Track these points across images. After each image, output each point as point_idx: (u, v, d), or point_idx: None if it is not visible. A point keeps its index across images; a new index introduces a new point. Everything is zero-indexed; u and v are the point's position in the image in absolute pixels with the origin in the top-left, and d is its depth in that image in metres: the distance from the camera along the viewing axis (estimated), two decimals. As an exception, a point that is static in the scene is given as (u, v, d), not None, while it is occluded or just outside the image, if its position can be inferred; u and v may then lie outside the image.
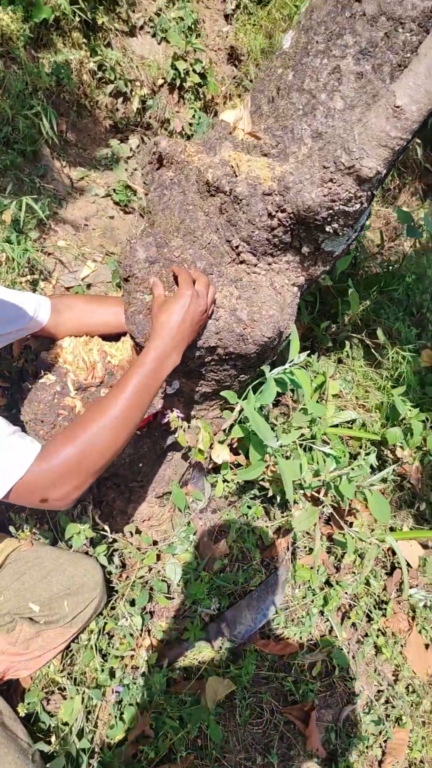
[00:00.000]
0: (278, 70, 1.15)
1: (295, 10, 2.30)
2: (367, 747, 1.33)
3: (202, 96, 2.27)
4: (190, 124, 2.23)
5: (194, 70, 2.20)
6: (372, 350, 2.00)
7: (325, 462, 1.37)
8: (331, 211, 1.04)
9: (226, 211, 1.13)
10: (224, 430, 1.38)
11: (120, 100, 2.16)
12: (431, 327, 2.05)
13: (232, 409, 1.41)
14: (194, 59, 2.19)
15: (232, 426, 1.39)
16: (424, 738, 1.37)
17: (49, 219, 1.72)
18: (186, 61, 2.18)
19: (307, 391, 1.25)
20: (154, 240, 1.17)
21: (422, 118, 0.94)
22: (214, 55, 2.40)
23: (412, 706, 1.40)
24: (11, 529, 1.32)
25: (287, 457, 1.36)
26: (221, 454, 1.32)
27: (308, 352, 1.26)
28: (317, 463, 1.37)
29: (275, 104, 1.14)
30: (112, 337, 1.40)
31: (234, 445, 1.54)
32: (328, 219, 1.06)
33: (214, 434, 1.38)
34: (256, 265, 1.17)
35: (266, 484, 1.42)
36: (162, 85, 2.24)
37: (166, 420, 1.21)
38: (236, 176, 1.10)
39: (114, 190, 1.94)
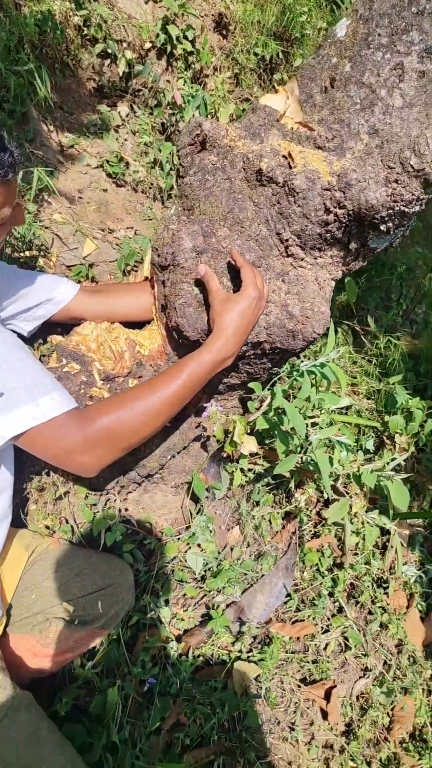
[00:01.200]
0: (332, 59, 1.12)
1: (284, -18, 2.23)
2: (378, 716, 1.42)
3: (191, 65, 2.17)
4: (181, 95, 2.12)
5: (185, 37, 2.09)
6: (362, 337, 2.06)
7: (344, 452, 1.41)
8: (390, 211, 1.04)
9: (278, 203, 1.10)
10: (249, 423, 1.38)
11: (107, 62, 2.01)
12: (414, 316, 2.14)
13: (251, 399, 1.41)
14: (186, 25, 2.08)
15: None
16: (428, 704, 1.48)
17: (43, 189, 1.60)
18: (177, 26, 2.07)
19: (344, 385, 1.27)
20: (200, 228, 1.12)
21: None
22: (200, 21, 2.28)
23: (414, 675, 1.50)
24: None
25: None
26: (248, 446, 1.32)
27: (341, 348, 1.27)
28: (337, 453, 1.40)
29: (330, 95, 1.11)
30: (132, 325, 1.35)
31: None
32: (386, 218, 1.06)
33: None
34: (303, 259, 1.16)
35: (287, 474, 1.44)
36: (149, 50, 2.11)
37: (206, 414, 1.19)
38: (291, 168, 1.07)
39: (107, 162, 1.83)
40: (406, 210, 1.04)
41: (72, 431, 0.88)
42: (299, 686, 1.40)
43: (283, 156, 1.09)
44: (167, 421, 1.04)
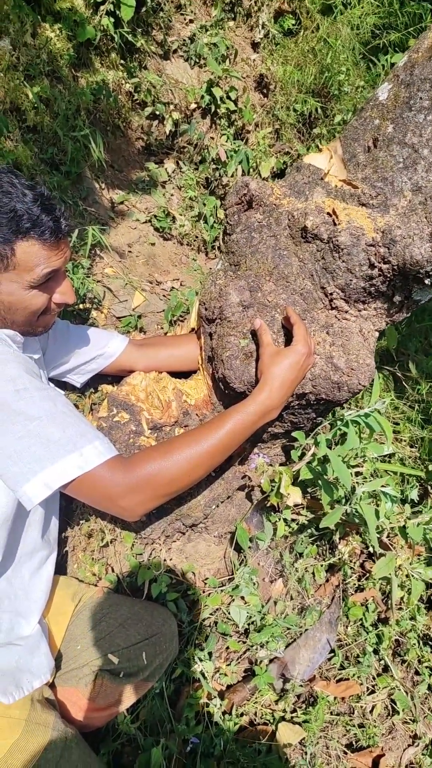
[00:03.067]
0: (375, 120, 1.16)
1: (323, 45, 2.34)
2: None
3: (234, 122, 2.27)
4: (224, 151, 2.22)
5: (229, 97, 2.20)
6: (403, 383, 2.04)
7: (389, 504, 1.38)
8: (435, 266, 1.05)
9: (323, 258, 1.13)
10: (294, 472, 1.37)
11: (155, 123, 2.13)
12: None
13: (294, 447, 1.41)
14: (229, 86, 2.19)
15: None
16: None
17: (96, 245, 1.68)
18: (221, 88, 2.18)
19: (389, 437, 1.26)
20: (246, 284, 1.16)
21: None
22: (242, 83, 2.40)
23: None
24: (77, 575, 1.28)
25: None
26: (294, 497, 1.31)
27: (387, 399, 1.27)
28: (383, 505, 1.37)
29: (373, 155, 1.15)
30: (178, 374, 1.38)
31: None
32: (431, 272, 1.07)
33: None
34: (347, 312, 1.17)
35: (332, 526, 1.42)
36: (194, 110, 2.23)
37: (253, 465, 1.20)
38: (336, 225, 1.10)
39: (155, 216, 1.91)
40: (451, 264, 1.05)
41: (115, 478, 0.91)
42: (345, 753, 1.33)
43: (328, 213, 1.12)
44: (210, 470, 1.05)
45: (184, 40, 2.23)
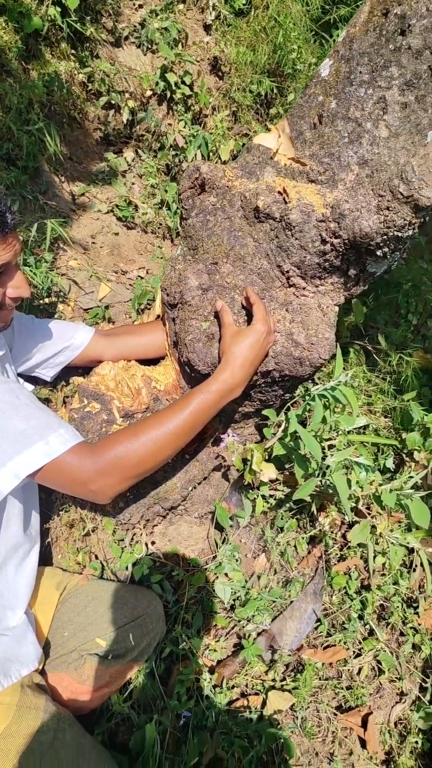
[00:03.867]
0: (319, 97, 1.18)
1: (274, 24, 2.33)
2: (418, 743, 1.39)
3: (191, 107, 2.26)
4: (182, 137, 2.21)
5: (183, 82, 2.19)
6: (374, 355, 2.07)
7: (363, 473, 1.41)
8: (385, 237, 1.08)
9: (276, 237, 1.15)
10: (267, 449, 1.40)
11: (111, 112, 2.12)
12: (424, 331, 2.15)
13: (267, 426, 1.43)
14: (183, 71, 2.18)
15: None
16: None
17: (58, 238, 1.68)
18: (175, 73, 2.17)
19: (356, 408, 1.29)
20: (204, 267, 1.17)
21: None
22: (197, 66, 2.39)
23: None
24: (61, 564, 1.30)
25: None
26: (267, 473, 1.34)
27: (350, 372, 1.29)
28: (356, 474, 1.41)
29: (319, 131, 1.16)
30: (147, 361, 1.40)
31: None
32: (381, 244, 1.10)
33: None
34: (304, 288, 1.19)
35: (308, 498, 1.46)
36: (150, 97, 2.22)
37: (224, 445, 1.22)
38: (287, 203, 1.12)
39: (117, 206, 1.91)
40: (400, 235, 1.07)
41: (83, 463, 0.94)
42: (335, 714, 1.38)
43: (279, 192, 1.14)
44: (178, 450, 1.07)
45: (135, 26, 2.21)
